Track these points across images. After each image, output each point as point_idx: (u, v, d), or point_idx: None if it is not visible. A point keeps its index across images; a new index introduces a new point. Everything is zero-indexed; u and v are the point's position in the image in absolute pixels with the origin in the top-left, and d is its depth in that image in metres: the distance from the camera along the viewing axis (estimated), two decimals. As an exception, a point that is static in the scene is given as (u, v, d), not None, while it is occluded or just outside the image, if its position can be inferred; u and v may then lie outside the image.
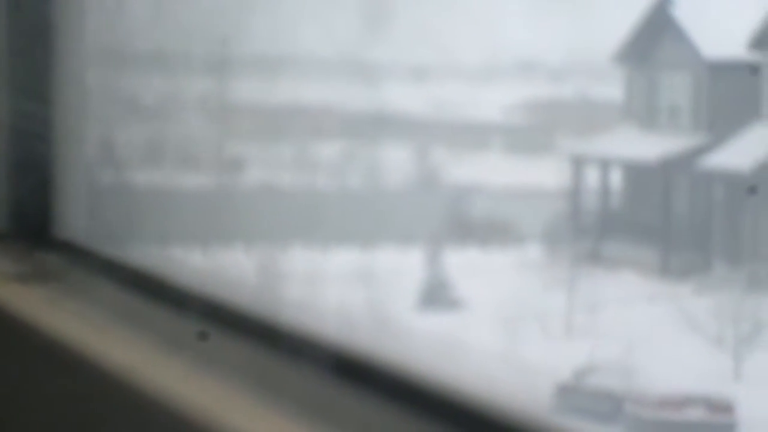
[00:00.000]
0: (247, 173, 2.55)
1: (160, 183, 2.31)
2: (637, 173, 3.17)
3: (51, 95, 1.95)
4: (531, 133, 3.09)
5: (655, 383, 3.08)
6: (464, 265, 3.17)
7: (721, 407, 3.32)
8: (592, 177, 3.18)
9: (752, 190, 2.90)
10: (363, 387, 1.41)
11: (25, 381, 1.68)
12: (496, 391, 1.35)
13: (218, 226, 2.18)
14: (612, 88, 3.00)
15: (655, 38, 2.90)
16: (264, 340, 1.55)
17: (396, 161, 3.11)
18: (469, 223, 3.17)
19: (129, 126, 2.18)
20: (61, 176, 1.97)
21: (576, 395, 2.88)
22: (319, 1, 1.96)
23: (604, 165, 3.16)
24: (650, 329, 3.16)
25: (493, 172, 3.08)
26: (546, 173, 3.13)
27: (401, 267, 3.10)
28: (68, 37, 1.96)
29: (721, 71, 2.96)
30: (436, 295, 3.09)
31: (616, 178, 3.20)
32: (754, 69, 2.79)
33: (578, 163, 3.12)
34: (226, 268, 2.05)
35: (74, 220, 1.96)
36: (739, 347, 3.24)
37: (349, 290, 2.17)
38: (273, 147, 2.70)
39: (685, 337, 3.16)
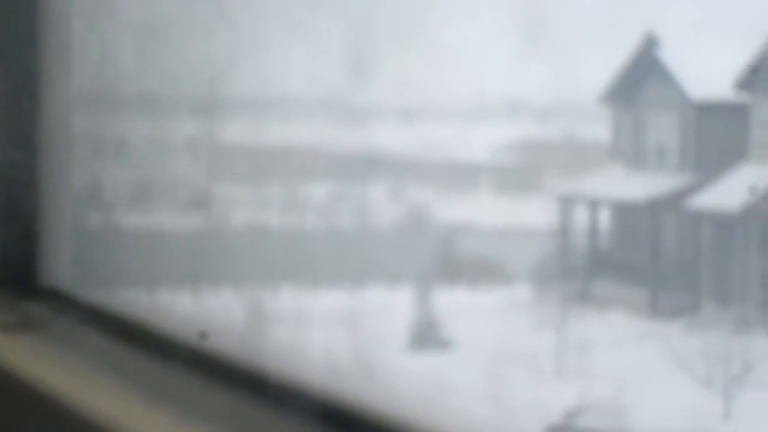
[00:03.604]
0: (235, 214, 2.55)
1: (146, 226, 2.30)
2: (625, 213, 3.17)
3: (36, 142, 1.95)
4: (519, 173, 3.09)
5: (646, 423, 3.07)
6: (453, 305, 3.16)
7: (712, 447, 3.31)
8: (580, 217, 3.19)
9: (752, 190, 2.90)
10: (350, 435, 1.40)
11: (7, 429, 1.66)
12: (486, 435, 1.34)
13: (205, 267, 2.17)
14: (599, 129, 3.01)
15: (641, 79, 2.92)
16: (250, 387, 1.54)
17: (384, 201, 3.10)
18: (457, 263, 3.17)
19: (115, 170, 2.18)
20: (47, 223, 1.96)
21: (566, 437, 2.86)
22: (306, 45, 1.96)
23: (593, 205, 3.16)
24: (640, 369, 3.15)
25: (481, 211, 3.08)
26: (534, 213, 3.13)
27: (390, 307, 3.08)
28: (54, 83, 1.95)
29: (708, 112, 2.98)
30: (425, 335, 3.08)
31: (604, 218, 3.21)
32: (740, 109, 2.81)
33: (566, 203, 3.12)
34: (213, 313, 2.04)
35: (60, 267, 1.95)
36: (728, 387, 3.23)
37: (337, 332, 2.16)
38: (261, 188, 2.69)
39: (675, 376, 3.15)
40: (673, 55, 2.88)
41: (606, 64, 2.74)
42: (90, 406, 1.53)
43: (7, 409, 1.65)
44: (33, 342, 1.73)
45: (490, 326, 3.10)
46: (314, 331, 1.91)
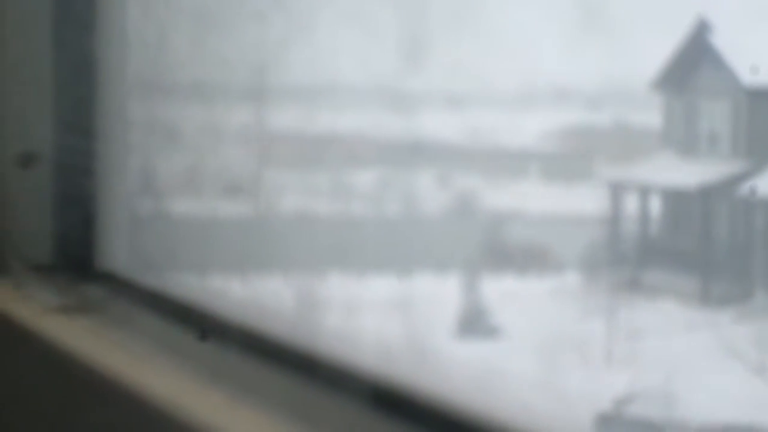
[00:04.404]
0: (284, 201, 2.57)
1: (199, 212, 2.33)
2: (676, 200, 3.14)
3: (94, 128, 1.98)
4: (568, 160, 3.07)
5: (696, 412, 3.04)
6: (502, 292, 3.16)
7: (763, 436, 3.27)
8: (630, 204, 3.16)
9: (752, 190, 2.87)
10: (401, 418, 1.41)
11: (68, 412, 1.70)
12: (536, 421, 1.35)
13: (256, 253, 2.20)
14: (650, 115, 2.98)
15: (693, 65, 2.89)
16: (303, 370, 1.56)
17: (432, 188, 3.11)
18: (506, 251, 3.16)
19: (169, 156, 2.21)
20: (104, 208, 1.99)
21: (616, 424, 2.85)
22: (356, 33, 1.98)
23: (643, 192, 3.14)
24: (690, 357, 3.13)
25: (530, 199, 3.07)
26: (584, 200, 3.12)
27: (439, 295, 3.09)
28: (111, 70, 1.98)
29: (761, 98, 2.95)
30: (474, 323, 3.08)
31: (655, 206, 3.18)
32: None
33: (616, 190, 3.10)
34: (264, 297, 2.06)
35: (117, 251, 1.98)
36: (781, 376, 3.19)
37: (386, 319, 2.17)
38: (309, 175, 2.71)
39: (726, 365, 3.13)
40: (725, 41, 2.85)
41: (659, 49, 2.71)
42: (146, 387, 1.55)
43: (65, 388, 1.68)
44: (90, 324, 1.76)
45: (539, 314, 3.09)
46: (363, 318, 1.92)
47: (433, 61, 2.08)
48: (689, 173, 3.01)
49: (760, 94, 2.93)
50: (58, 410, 1.69)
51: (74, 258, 1.97)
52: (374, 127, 2.55)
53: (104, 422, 1.60)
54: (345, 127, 2.49)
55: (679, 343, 3.05)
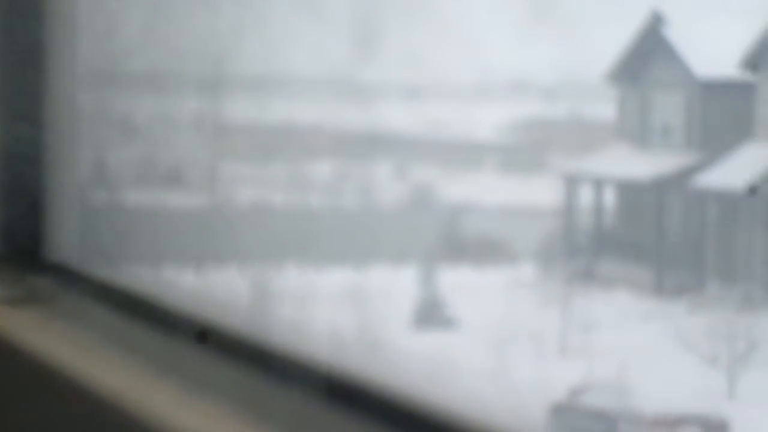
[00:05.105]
0: (239, 192, 2.55)
1: (151, 203, 2.30)
2: (630, 192, 3.17)
3: (42, 117, 1.95)
4: (523, 152, 3.08)
5: (650, 402, 3.07)
6: (457, 283, 3.17)
7: (716, 426, 3.32)
8: (585, 196, 3.18)
9: (752, 191, 2.89)
10: (354, 409, 1.40)
11: (14, 403, 1.67)
12: (490, 411, 1.35)
13: (210, 245, 2.17)
14: (604, 108, 3.00)
15: (647, 58, 2.91)
16: (255, 361, 1.55)
17: (388, 180, 3.10)
18: (461, 242, 3.17)
19: (120, 147, 2.18)
20: (53, 198, 1.96)
21: (570, 415, 2.87)
22: (310, 24, 1.96)
23: (598, 184, 3.16)
24: (644, 348, 3.16)
25: (485, 190, 3.07)
26: (539, 192, 3.13)
27: (394, 286, 3.09)
28: (59, 59, 1.95)
29: (714, 91, 2.97)
30: (430, 314, 3.08)
31: (609, 197, 3.20)
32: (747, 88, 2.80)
33: (571, 182, 3.12)
34: (217, 289, 2.04)
35: (65, 242, 1.95)
36: (733, 366, 3.23)
37: (342, 310, 2.16)
38: (264, 166, 2.69)
39: (679, 356, 3.16)
40: (678, 33, 2.87)
41: (613, 41, 2.73)
42: (95, 379, 1.53)
43: (12, 381, 1.66)
44: (38, 315, 1.74)
45: (495, 305, 3.10)
46: (319, 309, 1.91)
47: (388, 51, 2.07)
48: (643, 165, 3.03)
49: (713, 86, 2.95)
50: (4, 401, 1.67)
51: (22, 249, 1.94)
52: (330, 118, 2.54)
53: (51, 414, 1.58)
54: (301, 118, 2.48)
55: (632, 334, 3.07)
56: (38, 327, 1.71)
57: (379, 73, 2.20)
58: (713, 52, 2.92)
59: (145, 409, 1.45)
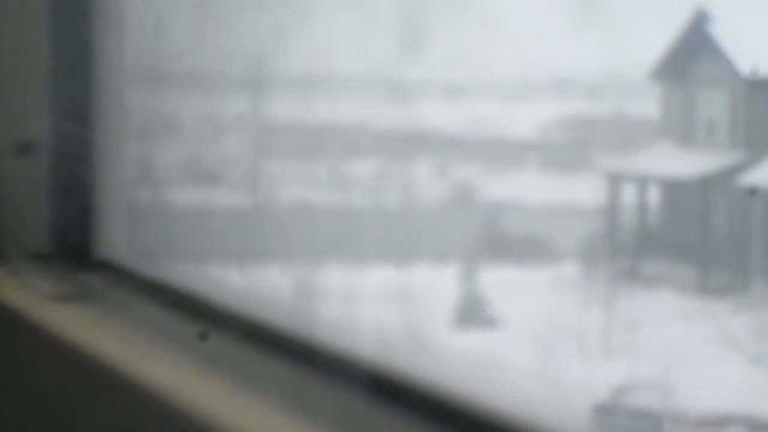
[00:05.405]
0: (282, 191, 2.57)
1: (195, 202, 2.33)
2: (674, 190, 3.14)
3: (91, 117, 1.97)
4: (567, 150, 3.07)
5: (694, 402, 3.05)
6: (500, 282, 3.16)
7: (761, 426, 3.28)
8: (629, 194, 3.16)
9: (752, 191, 2.87)
10: (398, 406, 1.41)
11: (66, 400, 1.70)
12: (534, 411, 1.35)
13: (253, 243, 2.20)
14: (649, 105, 2.98)
15: (692, 55, 2.88)
16: (300, 358, 1.56)
17: (430, 178, 3.10)
18: (504, 241, 3.16)
19: (167, 146, 2.20)
20: (101, 197, 1.99)
21: (614, 415, 2.86)
22: (355, 23, 1.97)
23: (642, 182, 3.14)
24: (688, 348, 3.13)
25: (528, 189, 3.07)
26: (582, 190, 3.12)
27: (436, 284, 3.09)
28: (108, 58, 1.98)
29: (759, 88, 2.95)
30: (472, 312, 3.09)
31: (653, 196, 3.18)
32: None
33: (615, 181, 3.10)
34: (262, 287, 2.06)
35: (114, 240, 1.98)
36: (778, 366, 3.19)
37: (385, 308, 2.17)
38: (307, 165, 2.71)
39: (724, 355, 3.13)
40: (724, 31, 2.85)
41: (657, 39, 2.71)
42: (142, 374, 1.55)
43: (62, 376, 1.68)
44: (87, 312, 1.77)
45: (537, 304, 3.09)
46: (362, 307, 1.93)
47: (432, 50, 2.07)
48: (687, 163, 3.00)
49: (759, 84, 2.93)
50: (55, 398, 1.70)
51: (71, 247, 1.97)
52: (373, 117, 2.55)
53: (101, 410, 1.61)
54: (344, 117, 2.49)
55: (677, 333, 3.05)
56: (87, 323, 1.74)
57: (423, 71, 2.21)
58: (759, 49, 2.90)
59: (192, 404, 1.47)
